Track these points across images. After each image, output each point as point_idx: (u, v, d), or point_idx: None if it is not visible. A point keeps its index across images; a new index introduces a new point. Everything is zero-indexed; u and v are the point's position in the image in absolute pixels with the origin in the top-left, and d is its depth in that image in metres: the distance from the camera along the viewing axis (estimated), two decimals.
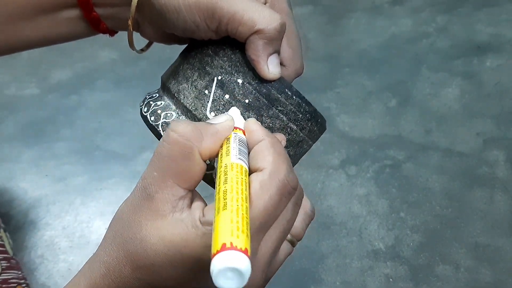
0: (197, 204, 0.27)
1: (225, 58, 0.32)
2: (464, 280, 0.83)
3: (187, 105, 0.32)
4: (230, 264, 0.19)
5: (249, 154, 0.28)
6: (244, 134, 0.29)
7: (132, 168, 1.06)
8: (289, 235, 0.29)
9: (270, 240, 0.27)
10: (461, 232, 0.89)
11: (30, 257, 0.94)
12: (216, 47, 0.32)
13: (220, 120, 0.28)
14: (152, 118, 0.33)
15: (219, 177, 0.25)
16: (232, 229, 0.21)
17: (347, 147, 1.05)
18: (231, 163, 0.25)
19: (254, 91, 0.31)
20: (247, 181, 0.25)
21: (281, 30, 0.30)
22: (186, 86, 0.33)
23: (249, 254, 0.20)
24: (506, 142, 1.02)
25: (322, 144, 1.07)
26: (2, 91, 1.29)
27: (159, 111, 0.33)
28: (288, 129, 0.32)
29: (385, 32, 1.31)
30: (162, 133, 0.32)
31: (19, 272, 0.69)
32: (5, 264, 0.67)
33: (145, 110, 0.34)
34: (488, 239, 0.87)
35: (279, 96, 0.31)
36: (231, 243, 0.20)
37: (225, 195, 0.23)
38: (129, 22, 0.33)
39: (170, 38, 0.36)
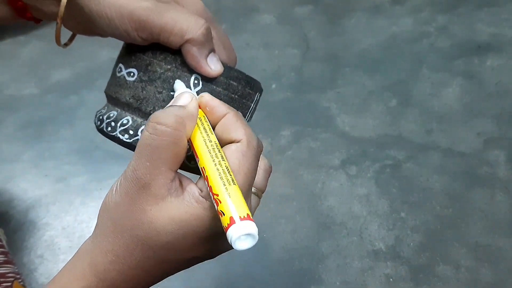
0: (188, 182, 0.30)
1: (164, 61, 0.34)
2: (465, 280, 0.83)
3: (142, 108, 0.34)
4: (248, 231, 0.24)
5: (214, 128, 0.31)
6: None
7: None
8: (254, 189, 0.33)
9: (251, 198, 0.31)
10: (461, 232, 0.89)
11: (30, 257, 0.94)
12: (152, 52, 0.34)
13: (186, 100, 0.31)
14: (109, 129, 0.35)
15: (213, 149, 0.28)
16: (245, 202, 0.25)
17: (347, 147, 1.05)
18: (217, 141, 0.29)
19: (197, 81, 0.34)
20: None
21: (208, 33, 0.33)
22: (133, 92, 0.35)
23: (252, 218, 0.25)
24: (506, 142, 1.01)
25: (322, 144, 1.07)
26: (2, 91, 1.29)
27: (112, 123, 0.35)
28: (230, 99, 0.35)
29: (385, 32, 1.31)
30: (121, 138, 0.34)
31: (15, 267, 0.69)
32: (2, 258, 0.67)
33: (98, 123, 0.36)
34: (488, 239, 0.87)
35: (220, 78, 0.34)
36: (248, 215, 0.25)
37: (229, 170, 0.27)
38: (58, 20, 0.34)
39: (95, 33, 0.37)
